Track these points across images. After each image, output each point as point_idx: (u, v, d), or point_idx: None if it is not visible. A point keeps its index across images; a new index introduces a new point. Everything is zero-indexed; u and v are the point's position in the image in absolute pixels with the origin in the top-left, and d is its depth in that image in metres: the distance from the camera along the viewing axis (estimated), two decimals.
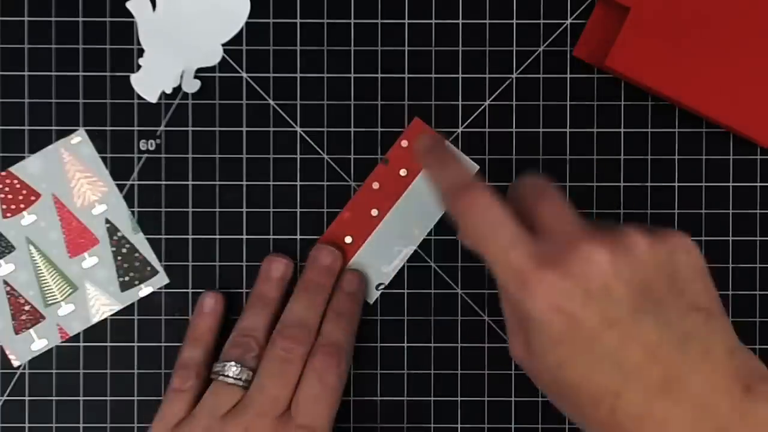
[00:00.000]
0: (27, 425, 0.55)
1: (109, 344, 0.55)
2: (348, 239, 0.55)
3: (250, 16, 0.56)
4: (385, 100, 0.56)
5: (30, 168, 0.55)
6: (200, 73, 0.56)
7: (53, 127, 0.55)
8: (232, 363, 0.50)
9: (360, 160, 0.56)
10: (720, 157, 0.56)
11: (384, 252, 0.55)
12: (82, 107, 0.56)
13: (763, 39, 0.53)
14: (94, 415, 0.55)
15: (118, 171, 0.56)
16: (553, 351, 0.38)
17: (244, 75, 0.56)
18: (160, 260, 0.56)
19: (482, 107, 0.56)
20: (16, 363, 0.55)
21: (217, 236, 0.56)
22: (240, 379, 0.50)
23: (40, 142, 0.55)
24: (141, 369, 0.55)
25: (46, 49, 0.56)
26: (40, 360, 0.55)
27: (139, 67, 0.55)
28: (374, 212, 0.55)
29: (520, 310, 0.39)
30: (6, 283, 0.55)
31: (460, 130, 0.56)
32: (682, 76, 0.54)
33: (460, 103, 0.56)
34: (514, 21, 0.56)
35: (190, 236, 0.56)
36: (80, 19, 0.56)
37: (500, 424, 0.56)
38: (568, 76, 0.56)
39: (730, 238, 0.55)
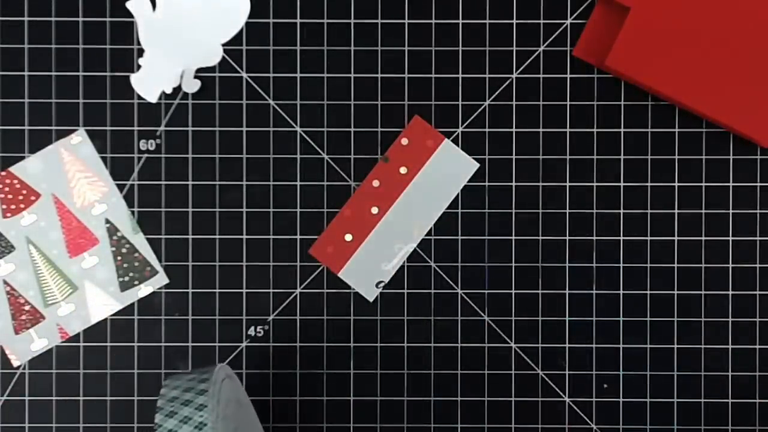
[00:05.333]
0: (27, 425, 0.55)
1: (109, 344, 0.55)
2: (348, 237, 0.55)
3: (250, 16, 0.56)
4: (385, 100, 0.56)
5: (30, 168, 0.55)
6: (200, 73, 0.56)
7: (53, 127, 0.56)
8: None
9: (360, 160, 0.56)
10: (720, 157, 0.56)
11: (384, 250, 0.55)
12: (82, 107, 0.56)
13: (763, 39, 0.53)
14: (94, 415, 0.55)
15: (118, 171, 0.56)
16: None
17: (244, 75, 0.56)
18: (160, 260, 0.56)
19: (482, 107, 0.56)
20: (16, 363, 0.55)
21: (217, 236, 0.56)
22: None
23: (40, 142, 0.55)
24: (141, 369, 0.55)
25: (46, 49, 0.56)
26: (40, 360, 0.55)
27: (139, 67, 0.55)
28: (374, 210, 0.55)
29: None
30: (6, 283, 0.55)
31: (460, 130, 0.56)
32: (682, 76, 0.54)
33: (460, 103, 0.56)
34: (514, 21, 0.56)
35: (190, 236, 0.56)
36: (80, 19, 0.56)
37: (500, 424, 0.55)
38: (568, 76, 0.56)
39: (730, 238, 0.55)
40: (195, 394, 0.44)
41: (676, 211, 0.56)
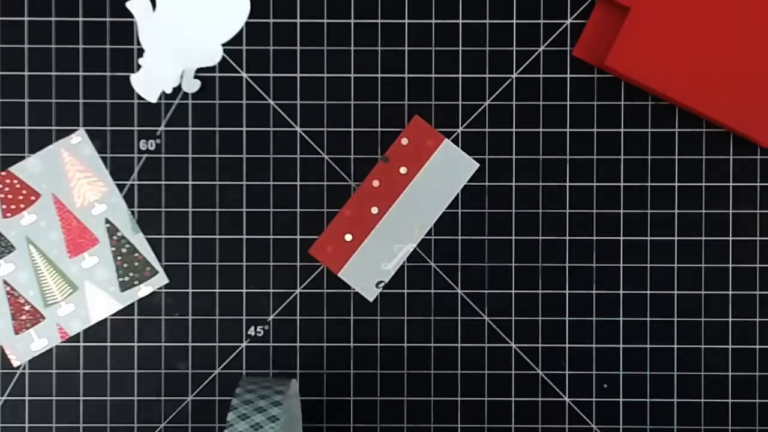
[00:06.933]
0: (27, 425, 0.55)
1: (109, 344, 0.55)
2: (348, 237, 0.55)
3: (250, 16, 0.56)
4: (385, 100, 0.56)
5: (30, 168, 0.55)
6: (200, 73, 0.56)
7: (53, 127, 0.56)
8: None
9: (360, 160, 0.56)
10: (720, 157, 0.56)
11: (384, 250, 0.55)
12: (82, 107, 0.56)
13: (763, 39, 0.53)
14: (94, 415, 0.55)
15: (118, 171, 0.56)
16: None
17: (244, 75, 0.56)
18: (160, 260, 0.56)
19: (482, 107, 0.56)
20: (16, 363, 0.55)
21: (217, 236, 0.56)
22: None
23: (40, 142, 0.55)
24: (141, 369, 0.55)
25: (46, 49, 0.56)
26: (40, 360, 0.55)
27: (139, 67, 0.55)
28: (374, 210, 0.55)
29: None
30: (6, 283, 0.55)
31: (460, 130, 0.56)
32: (682, 76, 0.54)
33: (460, 103, 0.56)
34: (514, 21, 0.56)
35: (190, 236, 0.56)
36: (80, 19, 0.56)
37: (500, 424, 0.55)
38: (568, 76, 0.56)
39: (730, 238, 0.55)
40: (269, 403, 0.44)
41: (676, 211, 0.56)
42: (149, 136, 0.56)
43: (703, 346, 0.55)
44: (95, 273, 0.55)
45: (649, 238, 0.55)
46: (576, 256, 0.55)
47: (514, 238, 0.56)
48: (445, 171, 0.55)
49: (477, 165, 0.55)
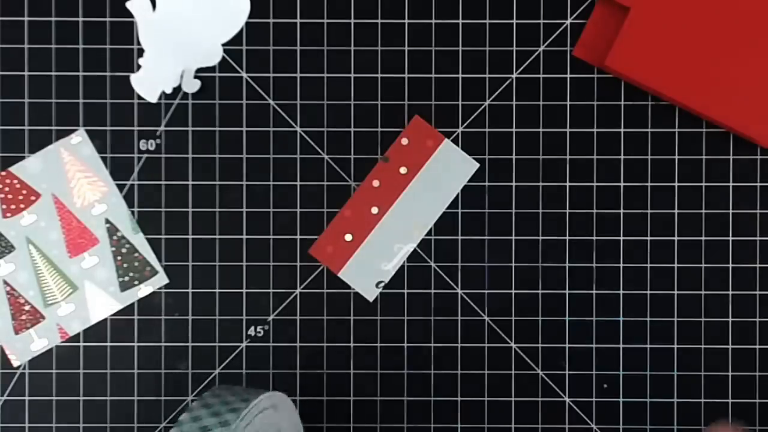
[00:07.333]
0: (27, 425, 0.55)
1: (108, 344, 0.55)
2: (348, 237, 0.55)
3: (250, 16, 0.56)
4: (385, 100, 0.56)
5: (30, 168, 0.55)
6: (200, 73, 0.56)
7: (53, 127, 0.56)
8: None
9: (360, 160, 0.56)
10: (720, 157, 0.56)
11: (384, 250, 0.55)
12: (82, 107, 0.56)
13: (762, 39, 0.53)
14: (94, 415, 0.55)
15: (118, 171, 0.56)
16: None
17: (244, 75, 0.56)
18: (159, 260, 0.56)
19: (482, 107, 0.56)
20: (16, 363, 0.55)
21: (217, 236, 0.56)
22: None
23: (40, 142, 0.55)
24: (141, 369, 0.55)
25: (46, 49, 0.56)
26: (40, 360, 0.55)
27: (139, 67, 0.55)
28: (374, 210, 0.55)
29: None
30: (6, 283, 0.55)
31: (460, 130, 0.56)
32: (682, 76, 0.54)
33: (460, 103, 0.56)
34: (514, 21, 0.56)
35: (190, 236, 0.56)
36: (80, 19, 0.56)
37: (500, 424, 0.55)
38: (568, 76, 0.56)
39: (730, 238, 0.55)
40: (228, 410, 0.42)
41: (676, 211, 0.55)
42: (149, 136, 0.56)
43: (703, 346, 0.55)
44: (95, 273, 0.55)
45: (649, 238, 0.55)
46: (576, 256, 0.55)
47: (514, 238, 0.55)
48: (445, 171, 0.55)
49: (477, 165, 0.55)
